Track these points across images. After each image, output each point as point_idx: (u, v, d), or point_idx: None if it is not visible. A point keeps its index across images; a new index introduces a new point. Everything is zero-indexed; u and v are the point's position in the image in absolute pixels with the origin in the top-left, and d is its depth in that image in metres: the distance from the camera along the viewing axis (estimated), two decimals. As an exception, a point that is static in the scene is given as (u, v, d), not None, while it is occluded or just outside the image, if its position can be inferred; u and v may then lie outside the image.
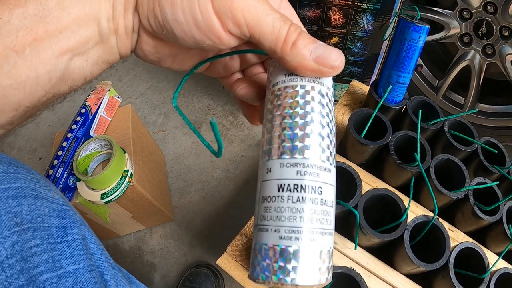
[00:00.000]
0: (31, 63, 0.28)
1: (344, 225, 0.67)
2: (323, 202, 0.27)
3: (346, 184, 0.65)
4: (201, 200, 1.33)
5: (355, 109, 0.81)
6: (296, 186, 0.26)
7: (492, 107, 1.27)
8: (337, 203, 0.60)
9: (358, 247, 0.66)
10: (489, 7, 1.10)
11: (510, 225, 0.67)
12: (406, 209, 0.61)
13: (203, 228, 1.29)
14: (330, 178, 0.28)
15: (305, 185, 0.26)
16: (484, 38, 1.15)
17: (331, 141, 0.29)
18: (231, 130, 1.47)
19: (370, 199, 0.63)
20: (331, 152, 0.29)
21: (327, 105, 0.29)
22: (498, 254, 0.68)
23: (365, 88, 0.87)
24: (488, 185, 0.70)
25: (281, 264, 0.25)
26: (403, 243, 0.60)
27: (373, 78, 1.28)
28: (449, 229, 0.72)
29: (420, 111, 0.67)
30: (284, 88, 0.29)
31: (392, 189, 0.71)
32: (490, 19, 1.12)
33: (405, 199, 0.69)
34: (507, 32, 1.11)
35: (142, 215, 1.19)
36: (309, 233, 0.25)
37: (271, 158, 0.28)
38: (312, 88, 0.29)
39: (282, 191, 0.26)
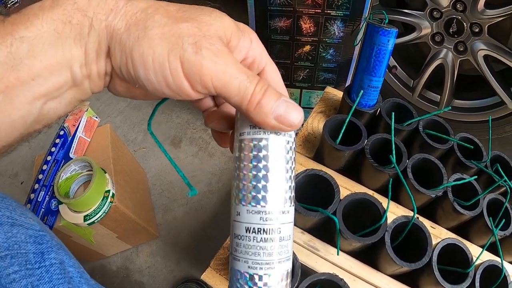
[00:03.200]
0: (5, 109, 0.28)
1: (326, 231, 0.67)
2: (282, 239, 0.33)
3: (324, 191, 0.65)
4: (185, 215, 1.32)
5: (330, 115, 0.81)
6: (259, 229, 0.32)
7: (468, 103, 1.29)
8: (316, 210, 0.61)
9: (341, 252, 0.66)
10: (458, 5, 1.12)
11: (490, 217, 0.68)
12: (385, 211, 0.62)
13: (189, 243, 1.28)
14: (289, 218, 0.34)
15: (267, 229, 0.32)
16: (456, 36, 1.17)
17: (290, 187, 0.34)
18: (211, 144, 1.47)
19: (349, 204, 0.63)
20: (290, 196, 0.34)
21: (288, 154, 0.33)
22: (482, 247, 0.69)
23: (339, 94, 0.88)
24: (466, 180, 0.71)
25: (251, 286, 0.32)
26: (384, 245, 0.60)
27: (347, 84, 1.29)
28: (431, 226, 0.73)
29: (393, 113, 0.67)
30: (248, 140, 0.33)
31: (371, 192, 0.72)
32: (460, 17, 1.14)
33: (385, 201, 0.69)
34: (478, 29, 1.13)
35: (127, 234, 1.18)
36: (271, 263, 0.32)
37: (240, 204, 0.33)
38: (274, 141, 0.32)
39: (249, 232, 0.32)
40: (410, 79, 1.36)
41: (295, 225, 0.68)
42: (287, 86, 1.19)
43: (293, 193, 0.34)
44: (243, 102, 0.30)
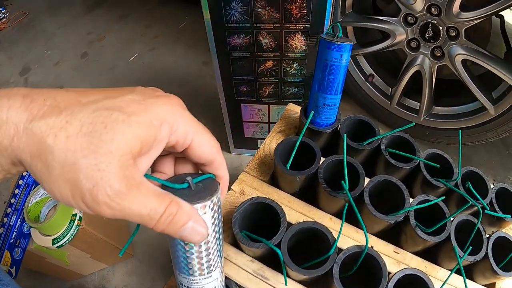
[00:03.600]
0: None
1: (275, 260, 0.63)
2: None
3: (272, 219, 0.61)
4: (160, 234, 1.27)
5: (290, 135, 0.77)
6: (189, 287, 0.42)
7: (448, 109, 1.25)
8: (260, 241, 0.57)
9: (292, 281, 0.62)
10: (433, 9, 1.08)
11: (455, 246, 0.64)
12: (335, 241, 0.58)
13: (164, 261, 1.26)
14: (210, 279, 0.42)
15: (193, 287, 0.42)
16: (432, 41, 1.13)
17: (210, 259, 0.41)
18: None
19: (298, 233, 0.59)
20: (210, 265, 0.41)
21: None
22: (451, 270, 0.64)
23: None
24: (431, 203, 0.67)
25: None
26: (332, 277, 0.56)
27: None
28: (395, 251, 0.69)
29: (345, 135, 0.63)
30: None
31: (329, 217, 0.68)
32: (435, 21, 1.10)
33: (345, 227, 0.66)
34: (454, 32, 1.09)
35: (101, 254, 1.17)
36: None
37: (175, 268, 0.42)
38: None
39: (182, 285, 0.43)
40: (388, 87, 1.32)
41: (244, 253, 0.64)
42: (253, 102, 1.30)
43: (214, 261, 0.41)
44: (149, 225, 0.33)
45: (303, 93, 1.24)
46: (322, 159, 0.68)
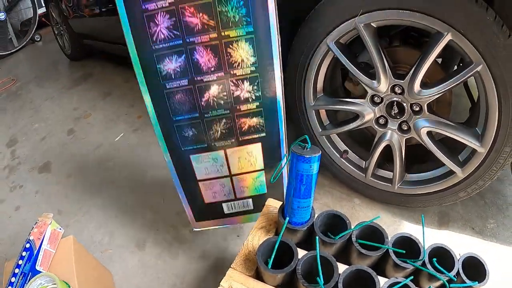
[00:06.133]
0: None
1: None
2: None
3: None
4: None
5: (270, 230, 0.86)
6: None
7: (420, 175, 1.34)
8: None
9: None
10: (396, 89, 1.18)
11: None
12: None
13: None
14: None
15: None
16: (398, 117, 1.24)
17: None
18: (174, 244, 1.48)
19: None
20: None
21: None
22: None
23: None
24: (399, 285, 0.75)
25: None
26: None
27: (280, 128, 1.06)
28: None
29: (317, 238, 0.72)
30: None
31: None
32: (399, 99, 1.20)
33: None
34: (418, 107, 1.19)
35: None
36: None
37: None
38: None
39: None
40: (362, 160, 1.41)
41: None
42: (205, 149, 1.05)
43: None
44: None
45: (264, 125, 1.03)
46: (301, 254, 0.76)
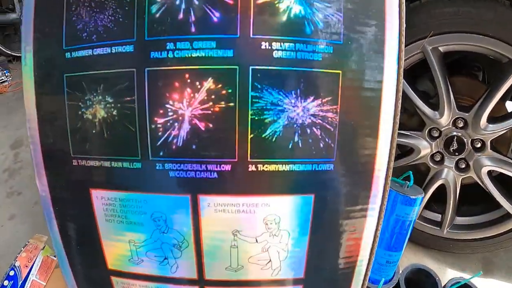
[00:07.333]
0: None
1: None
2: None
3: None
4: None
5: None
6: None
7: (471, 219, 1.21)
8: None
9: None
10: (458, 122, 1.06)
11: None
12: None
13: None
14: None
15: None
16: (456, 153, 1.10)
17: None
18: None
19: None
20: None
21: None
22: None
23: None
24: None
25: None
26: None
27: None
28: None
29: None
30: None
31: None
32: (460, 134, 1.08)
33: None
34: (479, 144, 1.07)
35: None
36: None
37: None
38: None
39: None
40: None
41: None
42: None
43: None
44: None
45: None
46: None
